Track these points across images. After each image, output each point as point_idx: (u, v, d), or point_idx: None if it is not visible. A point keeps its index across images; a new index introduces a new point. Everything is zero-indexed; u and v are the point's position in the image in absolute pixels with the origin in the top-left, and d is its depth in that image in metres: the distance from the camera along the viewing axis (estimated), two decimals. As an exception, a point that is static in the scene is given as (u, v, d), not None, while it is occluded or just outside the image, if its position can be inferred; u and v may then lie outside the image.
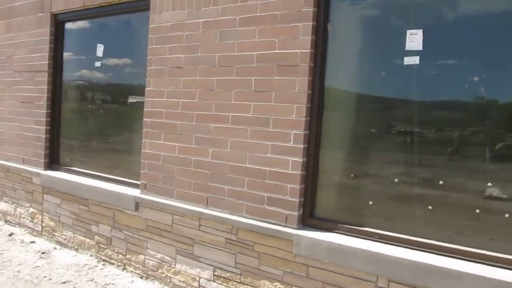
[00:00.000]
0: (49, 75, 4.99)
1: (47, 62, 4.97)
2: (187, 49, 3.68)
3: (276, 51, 3.19)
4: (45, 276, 3.96)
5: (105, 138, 4.68)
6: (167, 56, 3.83)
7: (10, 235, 5.09)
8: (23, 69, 5.25)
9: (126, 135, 4.45)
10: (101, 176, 4.51)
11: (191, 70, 3.66)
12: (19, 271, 4.07)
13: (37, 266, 4.21)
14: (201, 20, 3.59)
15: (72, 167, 4.88)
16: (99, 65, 4.55)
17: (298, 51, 3.09)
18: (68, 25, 5.00)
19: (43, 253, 4.57)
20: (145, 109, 3.98)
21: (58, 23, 5.00)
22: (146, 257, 3.98)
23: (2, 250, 4.59)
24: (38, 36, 5.06)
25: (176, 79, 3.76)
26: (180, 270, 3.74)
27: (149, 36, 3.95)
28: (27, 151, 5.19)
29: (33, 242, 4.89)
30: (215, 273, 3.52)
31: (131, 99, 4.40)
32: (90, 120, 4.84)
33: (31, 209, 5.16)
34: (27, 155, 5.19)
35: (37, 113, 5.06)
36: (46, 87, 4.98)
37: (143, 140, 4.00)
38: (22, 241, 4.89)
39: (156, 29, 3.90)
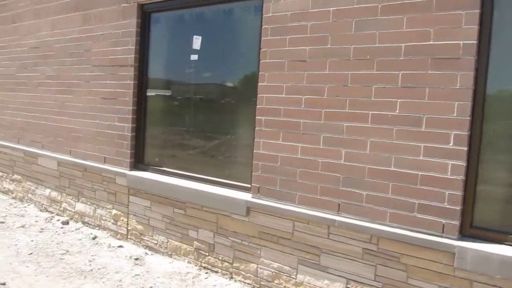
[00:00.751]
0: (135, 69, 4.79)
1: (133, 56, 4.77)
2: (313, 40, 3.43)
3: (431, 42, 2.91)
4: (151, 287, 3.77)
5: (202, 137, 4.47)
6: (286, 48, 3.58)
7: (94, 238, 4.95)
8: (104, 63, 5.07)
9: (228, 134, 4.24)
10: (200, 178, 4.32)
11: (318, 64, 3.41)
12: (120, 280, 3.91)
13: (136, 275, 4.04)
14: (331, 9, 3.34)
15: (162, 167, 4.70)
16: (196, 58, 4.32)
17: (461, 42, 2.80)
18: (156, 16, 4.77)
19: (136, 259, 4.41)
20: (257, 106, 3.75)
21: (144, 14, 4.76)
22: (259, 266, 3.77)
23: (93, 256, 4.44)
24: (122, 28, 4.87)
25: (298, 74, 3.51)
26: (302, 281, 3.52)
27: (263, 27, 3.71)
28: (109, 150, 5.02)
29: (120, 246, 4.73)
30: (348, 286, 3.28)
31: (234, 95, 4.17)
32: (183, 118, 4.64)
33: (114, 211, 5.00)
34: (109, 154, 5.02)
35: (121, 110, 4.88)
36: (132, 82, 4.79)
37: (255, 140, 3.77)
38: (109, 246, 4.73)
39: (271, 18, 3.65)
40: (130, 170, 4.85)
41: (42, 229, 5.25)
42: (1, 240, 4.76)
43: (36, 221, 5.55)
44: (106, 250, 4.65)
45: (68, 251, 4.54)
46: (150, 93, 4.86)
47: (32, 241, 4.79)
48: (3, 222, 5.41)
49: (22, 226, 5.29)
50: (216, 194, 4.04)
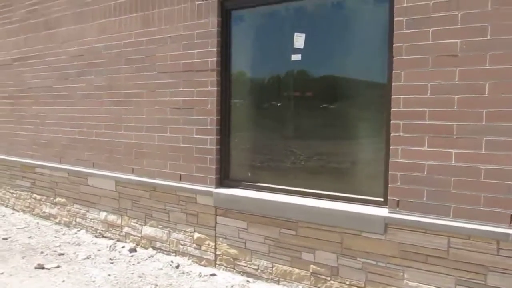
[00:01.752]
0: (217, 74, 4.34)
1: (214, 59, 4.35)
2: (466, 32, 3.07)
3: None
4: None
5: (310, 146, 4.07)
6: (429, 42, 3.22)
7: (177, 266, 4.51)
8: (175, 69, 4.63)
9: (345, 142, 3.85)
10: (313, 193, 3.91)
11: (474, 58, 3.06)
12: (239, 314, 3.46)
13: (253, 307, 3.59)
14: (490, -6, 2.97)
15: (258, 182, 4.27)
16: (299, 58, 3.92)
17: None
18: (238, 13, 4.36)
19: (241, 288, 3.96)
20: (393, 109, 3.38)
21: (225, 11, 4.34)
22: (403, 289, 3.38)
23: (189, 288, 3.97)
24: (198, 29, 4.44)
25: (448, 70, 3.15)
26: (464, 305, 3.14)
27: (396, 19, 3.34)
28: (186, 166, 4.58)
29: (213, 274, 4.31)
30: (527, 308, 2.91)
31: (351, 97, 3.79)
32: (282, 125, 4.23)
33: (196, 235, 4.56)
34: (187, 171, 4.58)
35: (201, 120, 4.44)
36: (215, 88, 4.36)
37: (391, 147, 3.39)
38: (200, 275, 4.30)
39: (407, 9, 3.29)
40: (217, 187, 4.40)
41: (111, 259, 4.77)
42: (74, 277, 4.27)
43: (99, 250, 5.06)
44: (199, 280, 4.22)
45: (157, 285, 4.07)
46: (236, 99, 4.43)
47: (109, 275, 4.32)
48: (63, 254, 4.91)
49: (88, 258, 4.80)
50: (339, 211, 3.64)
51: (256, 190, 4.27)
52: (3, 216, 6.54)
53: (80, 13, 5.61)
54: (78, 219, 5.84)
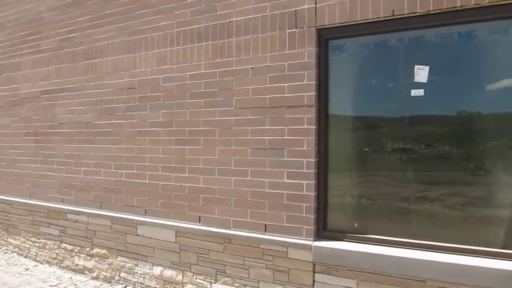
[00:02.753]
0: (316, 110, 3.84)
1: (312, 93, 3.90)
2: None
3: None
4: None
5: (432, 190, 3.56)
6: None
7: (268, 334, 3.81)
8: (258, 104, 4.12)
9: (479, 185, 3.36)
10: (445, 247, 3.38)
11: None
12: None
13: None
14: None
15: (365, 234, 3.75)
16: (421, 93, 3.47)
17: None
18: (337, 43, 3.92)
19: None
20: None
21: (324, 41, 3.89)
22: None
23: None
24: (290, 59, 3.98)
25: None
26: None
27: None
28: (273, 214, 4.01)
29: None
30: None
31: (493, 132, 3.34)
32: (398, 169, 3.71)
33: (286, 295, 3.92)
34: (274, 220, 4.01)
35: (294, 163, 3.91)
36: (313, 127, 3.88)
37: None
38: None
39: None
40: (315, 240, 3.83)
41: (182, 325, 4.04)
42: None
43: (161, 313, 4.33)
44: None
45: None
46: (335, 139, 3.91)
47: None
48: (121, 319, 4.16)
49: (154, 324, 4.06)
50: (492, 269, 3.11)
51: (366, 243, 3.72)
52: (26, 269, 5.73)
53: (132, 41, 5.08)
54: (122, 274, 5.10)
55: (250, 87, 4.24)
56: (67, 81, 5.78)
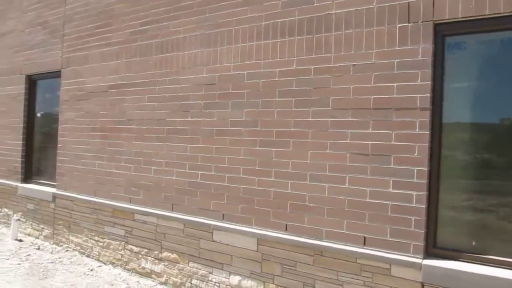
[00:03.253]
0: (430, 114, 3.45)
1: (428, 95, 3.53)
2: None
3: None
4: None
5: None
6: None
7: None
8: (360, 105, 3.80)
9: None
10: None
11: None
12: None
13: None
14: None
15: (486, 255, 3.34)
16: None
17: None
18: (455, 40, 3.52)
19: None
20: None
21: (441, 37, 3.49)
22: None
23: None
24: (400, 57, 3.61)
25: None
26: None
27: None
28: (375, 227, 3.68)
29: None
30: None
31: None
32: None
33: (389, 317, 3.55)
34: (375, 233, 3.67)
35: (401, 171, 3.55)
36: (427, 132, 3.46)
37: None
38: None
39: None
40: (425, 258, 3.44)
41: None
42: None
43: (244, 327, 4.03)
44: None
45: None
46: (451, 145, 3.53)
47: None
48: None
49: None
50: None
51: (485, 264, 3.31)
52: (91, 270, 5.56)
53: (212, 34, 4.83)
54: (194, 281, 4.85)
55: (351, 86, 3.91)
56: (138, 75, 5.58)
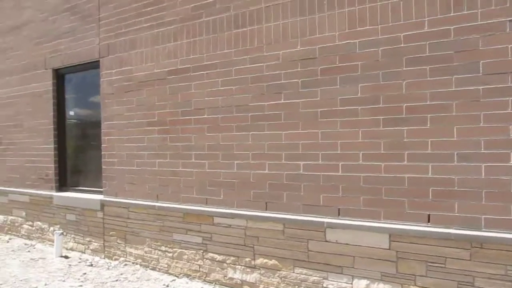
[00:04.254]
0: None
1: None
2: None
3: None
4: None
5: None
6: None
7: None
8: (526, 67, 3.16)
9: None
10: None
11: None
12: None
13: None
14: None
15: None
16: None
17: None
18: None
19: None
20: None
21: None
22: None
23: None
24: None
25: None
26: None
27: None
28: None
29: None
30: None
31: None
32: None
33: None
34: (560, 218, 3.06)
35: None
36: None
37: None
38: None
39: None
40: None
41: None
42: None
43: None
44: None
45: None
46: None
47: None
48: None
49: None
50: None
51: None
52: (166, 286, 4.88)
53: (300, 2, 4.14)
54: (304, 289, 4.22)
55: (510, 46, 3.28)
56: (207, 57, 4.90)
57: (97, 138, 6.20)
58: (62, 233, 6.20)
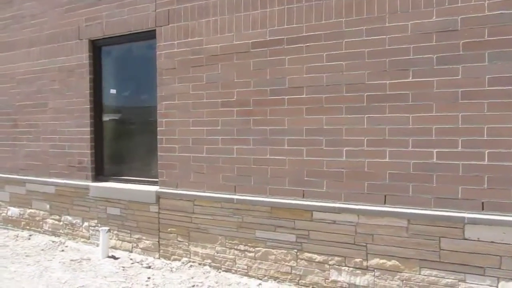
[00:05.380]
0: None
1: None
2: None
3: None
4: None
5: None
6: None
7: None
8: None
9: None
10: None
11: None
12: None
13: None
14: None
15: None
16: None
17: None
18: None
19: None
20: None
21: None
22: None
23: None
24: None
25: None
26: None
27: None
28: None
29: None
30: None
31: None
32: None
33: None
34: None
35: None
36: None
37: None
38: None
39: None
40: None
41: None
42: None
43: None
44: None
45: None
46: None
47: None
48: None
49: None
50: None
51: None
52: (255, 291, 4.33)
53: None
54: (434, 294, 3.81)
55: None
56: (307, 27, 4.36)
57: (146, 120, 5.54)
58: (108, 230, 5.47)
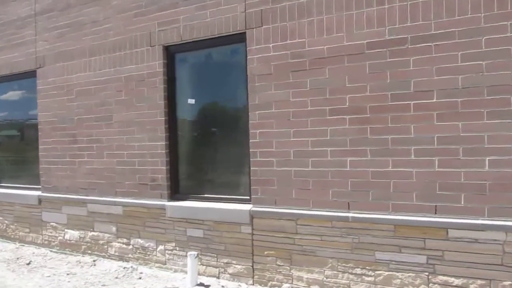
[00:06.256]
0: None
1: None
2: None
3: None
4: None
5: None
6: None
7: None
8: None
9: None
10: None
11: None
12: None
13: None
14: None
15: None
16: None
17: None
18: None
19: None
20: None
21: None
22: None
23: None
24: None
25: None
26: None
27: None
28: None
29: None
30: None
31: None
32: None
33: None
34: None
35: None
36: None
37: None
38: None
39: None
40: None
41: None
42: None
43: None
44: None
45: None
46: None
47: None
48: None
49: None
50: None
51: None
52: (386, 320, 3.87)
53: None
54: None
55: None
56: (436, 24, 4.02)
57: (231, 132, 5.13)
58: (197, 255, 5.02)
